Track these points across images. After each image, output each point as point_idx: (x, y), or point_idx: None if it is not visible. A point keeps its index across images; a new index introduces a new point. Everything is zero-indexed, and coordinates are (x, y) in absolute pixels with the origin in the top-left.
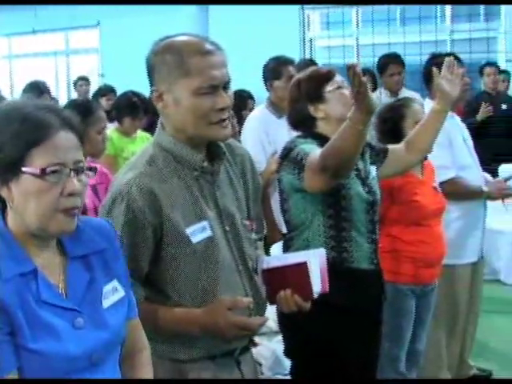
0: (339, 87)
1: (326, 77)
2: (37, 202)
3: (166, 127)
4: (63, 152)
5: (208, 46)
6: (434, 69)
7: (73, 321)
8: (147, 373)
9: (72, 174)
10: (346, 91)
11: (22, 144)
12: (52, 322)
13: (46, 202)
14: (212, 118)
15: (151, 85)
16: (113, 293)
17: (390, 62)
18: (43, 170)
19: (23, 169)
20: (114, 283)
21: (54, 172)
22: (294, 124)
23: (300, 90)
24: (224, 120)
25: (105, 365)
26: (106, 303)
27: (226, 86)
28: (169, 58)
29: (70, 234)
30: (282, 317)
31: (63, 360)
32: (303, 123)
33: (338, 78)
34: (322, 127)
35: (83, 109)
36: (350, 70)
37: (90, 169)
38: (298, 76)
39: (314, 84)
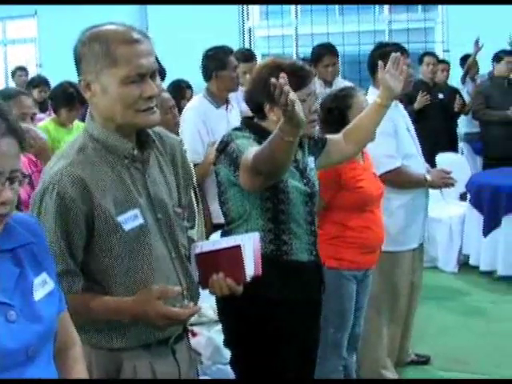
0: (304, 100)
1: (301, 83)
2: None
3: (94, 116)
4: (3, 160)
5: (135, 35)
6: (380, 62)
7: (5, 314)
8: (81, 367)
9: (7, 183)
10: (310, 101)
11: None
12: None
13: None
14: (140, 106)
15: (79, 74)
16: (43, 285)
17: (325, 52)
18: None
19: None
20: (44, 276)
21: None
22: (247, 104)
23: (267, 82)
24: (152, 107)
25: (40, 358)
26: (37, 296)
27: (153, 74)
28: (95, 47)
29: None
30: (223, 307)
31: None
32: (253, 111)
33: (312, 85)
34: (268, 125)
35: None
36: (276, 88)
37: (25, 176)
38: (278, 62)
39: None
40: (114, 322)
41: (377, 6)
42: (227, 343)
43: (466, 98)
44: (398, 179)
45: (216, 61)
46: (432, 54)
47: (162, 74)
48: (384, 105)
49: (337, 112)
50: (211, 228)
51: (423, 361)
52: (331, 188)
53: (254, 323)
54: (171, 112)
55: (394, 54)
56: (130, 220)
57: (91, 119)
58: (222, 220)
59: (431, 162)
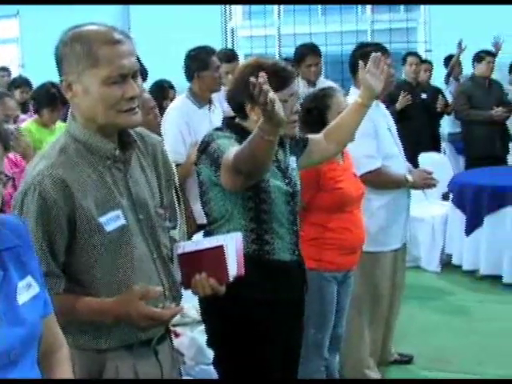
0: (285, 100)
1: (283, 83)
2: None
3: (76, 117)
4: None
5: (116, 35)
6: (361, 62)
7: None
8: (66, 369)
9: None
10: (292, 101)
11: None
12: None
13: None
14: (122, 106)
15: (60, 75)
16: (27, 289)
17: (308, 53)
18: None
19: None
20: (29, 279)
21: None
22: (229, 103)
23: (249, 81)
24: (134, 108)
25: (23, 362)
26: (21, 299)
27: (134, 74)
28: (77, 48)
29: None
30: (205, 307)
31: None
32: (235, 111)
33: (294, 85)
34: (250, 125)
35: None
36: (255, 87)
37: (8, 178)
38: (260, 62)
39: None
40: (98, 322)
41: (359, 6)
42: (210, 343)
43: (449, 98)
44: (378, 180)
45: (198, 61)
46: (415, 54)
47: (144, 74)
48: (365, 104)
49: (316, 112)
50: (196, 228)
51: (406, 360)
52: (310, 189)
53: (236, 323)
54: (152, 112)
55: (374, 54)
56: (112, 221)
57: (73, 120)
58: (205, 220)
59: (414, 161)
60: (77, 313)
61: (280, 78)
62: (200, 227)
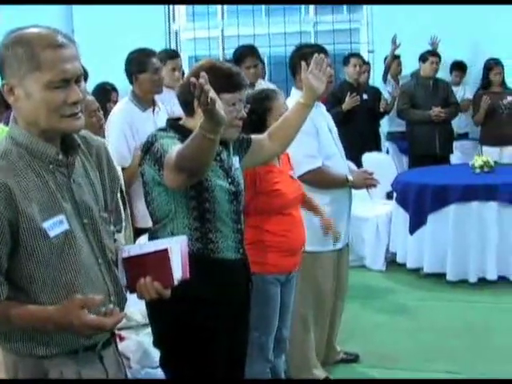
0: (234, 103)
1: (236, 86)
2: None
3: (18, 121)
4: None
5: (60, 39)
6: (303, 63)
7: None
8: None
9: None
10: (239, 106)
11: None
12: None
13: None
14: (65, 111)
15: (2, 78)
16: None
17: (247, 54)
18: None
19: None
20: None
21: None
22: (178, 99)
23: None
24: (77, 113)
25: None
26: None
27: (78, 79)
28: (19, 51)
29: None
30: (151, 307)
31: None
32: (183, 105)
33: (244, 92)
34: (194, 124)
35: None
36: (196, 87)
37: None
38: (216, 63)
39: (217, 87)
40: (40, 329)
41: (303, 8)
42: (156, 343)
43: (387, 98)
44: (319, 179)
45: (136, 63)
46: (358, 55)
47: (85, 75)
48: (308, 105)
49: (255, 115)
50: (134, 232)
51: (352, 359)
52: (248, 191)
53: (182, 323)
54: (95, 115)
55: (317, 56)
56: (56, 226)
57: (15, 123)
58: (146, 224)
59: (357, 162)
60: (17, 320)
61: (234, 80)
62: (138, 231)
